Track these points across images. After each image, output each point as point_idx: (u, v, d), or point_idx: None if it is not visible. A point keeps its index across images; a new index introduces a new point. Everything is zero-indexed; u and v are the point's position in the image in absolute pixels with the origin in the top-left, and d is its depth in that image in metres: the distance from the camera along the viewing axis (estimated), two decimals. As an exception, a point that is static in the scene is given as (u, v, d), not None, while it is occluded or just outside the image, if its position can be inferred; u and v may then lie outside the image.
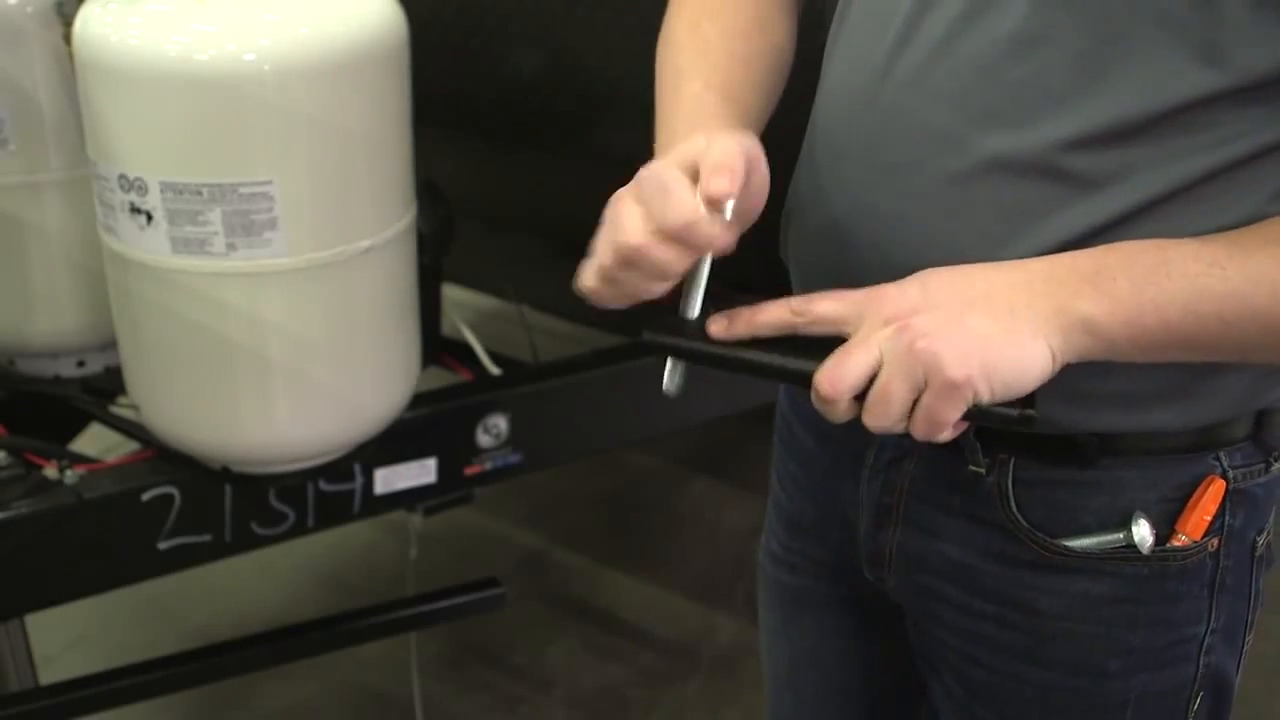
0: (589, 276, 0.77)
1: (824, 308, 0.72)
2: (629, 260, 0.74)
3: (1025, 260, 0.73)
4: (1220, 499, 0.84)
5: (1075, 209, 0.75)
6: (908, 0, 0.79)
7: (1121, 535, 0.84)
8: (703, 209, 0.72)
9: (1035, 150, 0.75)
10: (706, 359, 0.76)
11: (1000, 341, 0.69)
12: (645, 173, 0.76)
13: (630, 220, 0.74)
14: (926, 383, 0.69)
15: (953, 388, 0.69)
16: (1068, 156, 0.74)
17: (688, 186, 0.73)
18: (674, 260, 0.74)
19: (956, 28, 0.77)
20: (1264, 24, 0.69)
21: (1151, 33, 0.71)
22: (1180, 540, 0.84)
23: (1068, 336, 0.71)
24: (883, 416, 0.71)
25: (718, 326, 0.75)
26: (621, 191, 0.77)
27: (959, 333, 0.69)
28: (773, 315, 0.74)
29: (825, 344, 0.72)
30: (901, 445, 0.91)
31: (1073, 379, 0.79)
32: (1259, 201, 0.74)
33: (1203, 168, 0.73)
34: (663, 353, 0.77)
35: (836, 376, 0.70)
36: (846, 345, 0.71)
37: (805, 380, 0.72)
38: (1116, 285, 0.71)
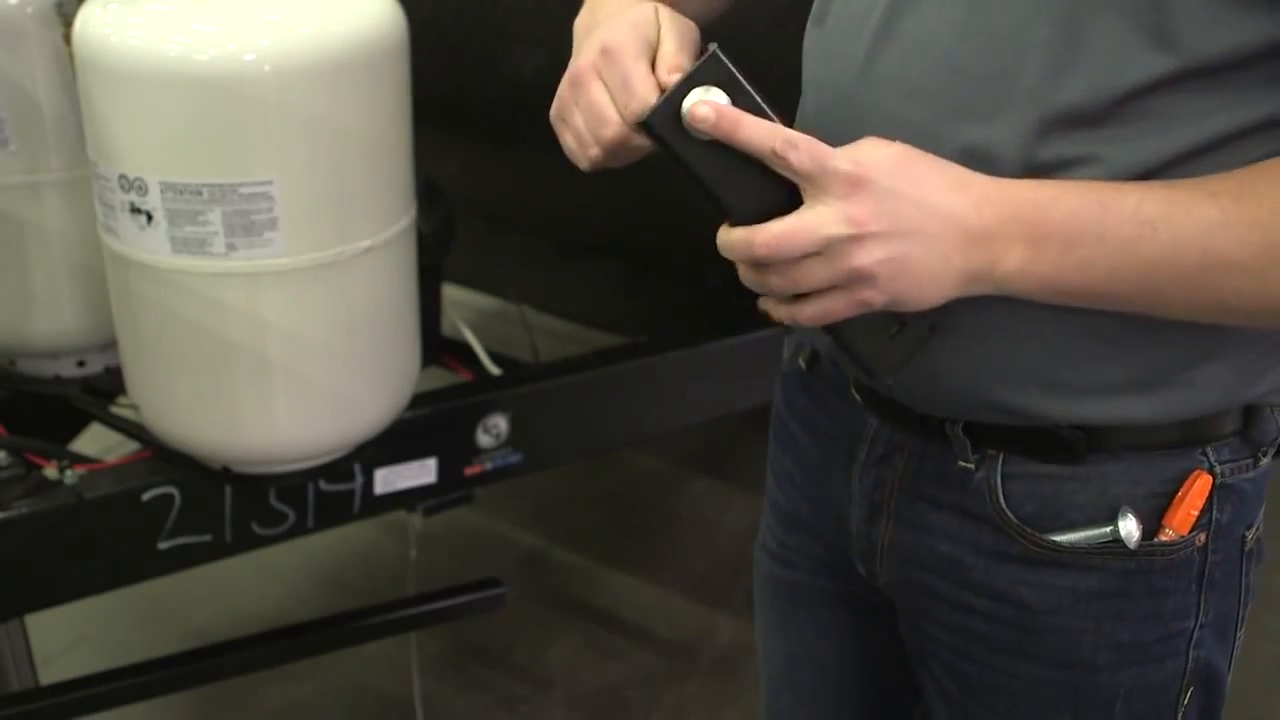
0: (585, 164, 0.82)
1: (800, 163, 0.71)
2: (617, 147, 0.79)
3: (985, 191, 0.73)
4: (1207, 494, 0.84)
5: None
6: (878, 10, 0.80)
7: (1108, 530, 0.84)
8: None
9: (1002, 140, 0.76)
10: (673, 154, 0.74)
11: (923, 283, 0.72)
12: (609, 49, 0.79)
13: (606, 109, 0.79)
14: (845, 287, 0.72)
15: (864, 304, 0.73)
16: (1033, 146, 0.75)
17: (647, 78, 0.77)
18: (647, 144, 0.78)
19: (930, 26, 0.78)
20: (1210, 7, 0.70)
21: (1106, 18, 0.72)
22: (1167, 535, 0.84)
23: (980, 288, 0.74)
24: (787, 287, 0.73)
25: (702, 114, 0.71)
26: (584, 67, 0.80)
27: (897, 266, 0.71)
28: (755, 137, 0.71)
29: (779, 185, 0.72)
30: (893, 441, 0.92)
31: (1048, 369, 0.80)
32: None
33: (1165, 154, 0.74)
34: (642, 131, 0.75)
35: (781, 246, 0.71)
36: (801, 220, 0.71)
37: (744, 221, 0.73)
38: (1050, 243, 0.72)
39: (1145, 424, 0.83)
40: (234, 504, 1.37)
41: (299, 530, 1.42)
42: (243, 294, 1.21)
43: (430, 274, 1.49)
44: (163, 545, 1.35)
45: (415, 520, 1.59)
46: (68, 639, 2.09)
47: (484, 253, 1.98)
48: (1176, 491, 0.84)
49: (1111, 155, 0.74)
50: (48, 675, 1.55)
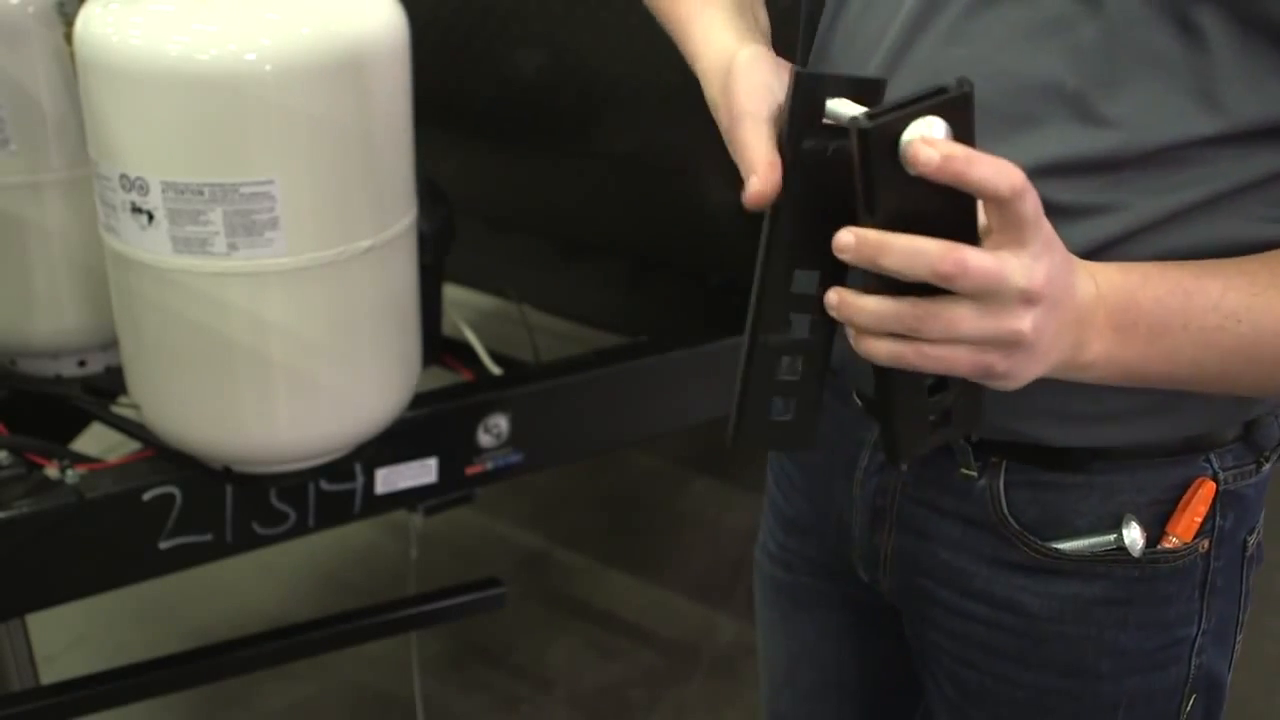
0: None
1: (1025, 211, 0.63)
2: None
3: (1088, 272, 0.69)
4: (1211, 501, 0.84)
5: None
6: (895, 29, 0.79)
7: (1112, 537, 0.84)
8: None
9: None
10: (868, 172, 0.63)
11: (1037, 360, 0.67)
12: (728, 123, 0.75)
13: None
14: (981, 344, 0.65)
15: (986, 369, 0.66)
16: (1046, 187, 0.73)
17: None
18: None
19: (943, 58, 0.76)
20: (1254, 72, 0.70)
21: (1149, 80, 0.71)
22: (1171, 542, 0.84)
23: (1056, 374, 0.70)
24: (931, 326, 0.64)
25: (925, 157, 0.61)
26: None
27: (1038, 336, 0.65)
28: (988, 179, 0.61)
29: (953, 216, 0.64)
30: None
31: (1059, 401, 0.79)
32: (1244, 226, 0.75)
33: (1185, 203, 0.74)
34: (854, 139, 0.63)
35: (972, 273, 0.62)
36: (1000, 260, 0.63)
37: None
38: (1136, 330, 0.70)
39: (1153, 442, 0.83)
40: (235, 504, 1.37)
41: (300, 530, 1.42)
42: (244, 293, 1.21)
43: (431, 273, 1.49)
44: (164, 545, 1.35)
45: (416, 520, 1.59)
46: (68, 639, 2.09)
47: (484, 252, 1.98)
48: (1180, 498, 0.84)
49: (1130, 202, 0.74)
50: (48, 675, 1.55)
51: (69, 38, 1.26)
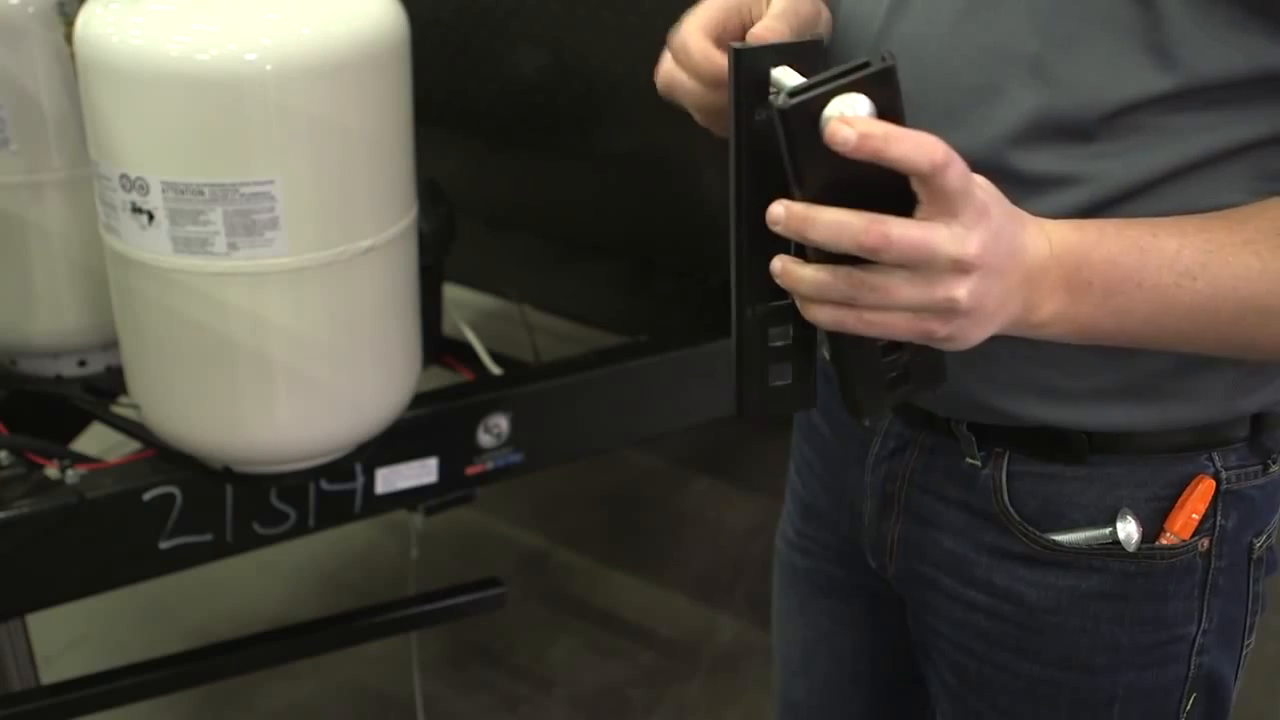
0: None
1: (951, 182, 0.63)
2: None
3: (1043, 233, 0.70)
4: (1210, 499, 0.84)
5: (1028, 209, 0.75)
6: (882, 10, 0.81)
7: (1109, 531, 0.84)
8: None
9: (985, 151, 0.75)
10: (791, 147, 0.64)
11: (983, 324, 0.68)
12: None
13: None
14: (920, 311, 0.67)
15: (926, 334, 0.67)
16: (1016, 157, 0.75)
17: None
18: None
19: (919, 34, 0.78)
20: (1205, 26, 0.70)
21: (1103, 36, 0.72)
22: (1168, 539, 0.84)
23: (1010, 331, 0.71)
24: (863, 294, 0.66)
25: (843, 136, 0.61)
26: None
27: (977, 302, 0.66)
28: (909, 154, 0.62)
29: (885, 189, 0.65)
30: (903, 435, 0.92)
31: (1040, 375, 0.80)
32: (1241, 198, 0.75)
33: (1152, 171, 0.74)
34: (777, 119, 0.64)
35: (895, 244, 0.63)
36: (927, 230, 0.64)
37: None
38: (1089, 290, 0.70)
39: (1148, 431, 0.83)
40: (235, 504, 1.37)
41: (300, 530, 1.42)
42: (244, 293, 1.21)
43: (431, 273, 1.49)
44: (164, 545, 1.35)
45: (416, 520, 1.60)
46: (68, 639, 2.09)
47: (485, 252, 1.98)
48: (1179, 495, 0.84)
49: (1097, 171, 0.74)
50: (48, 675, 1.55)
51: (69, 38, 1.26)
